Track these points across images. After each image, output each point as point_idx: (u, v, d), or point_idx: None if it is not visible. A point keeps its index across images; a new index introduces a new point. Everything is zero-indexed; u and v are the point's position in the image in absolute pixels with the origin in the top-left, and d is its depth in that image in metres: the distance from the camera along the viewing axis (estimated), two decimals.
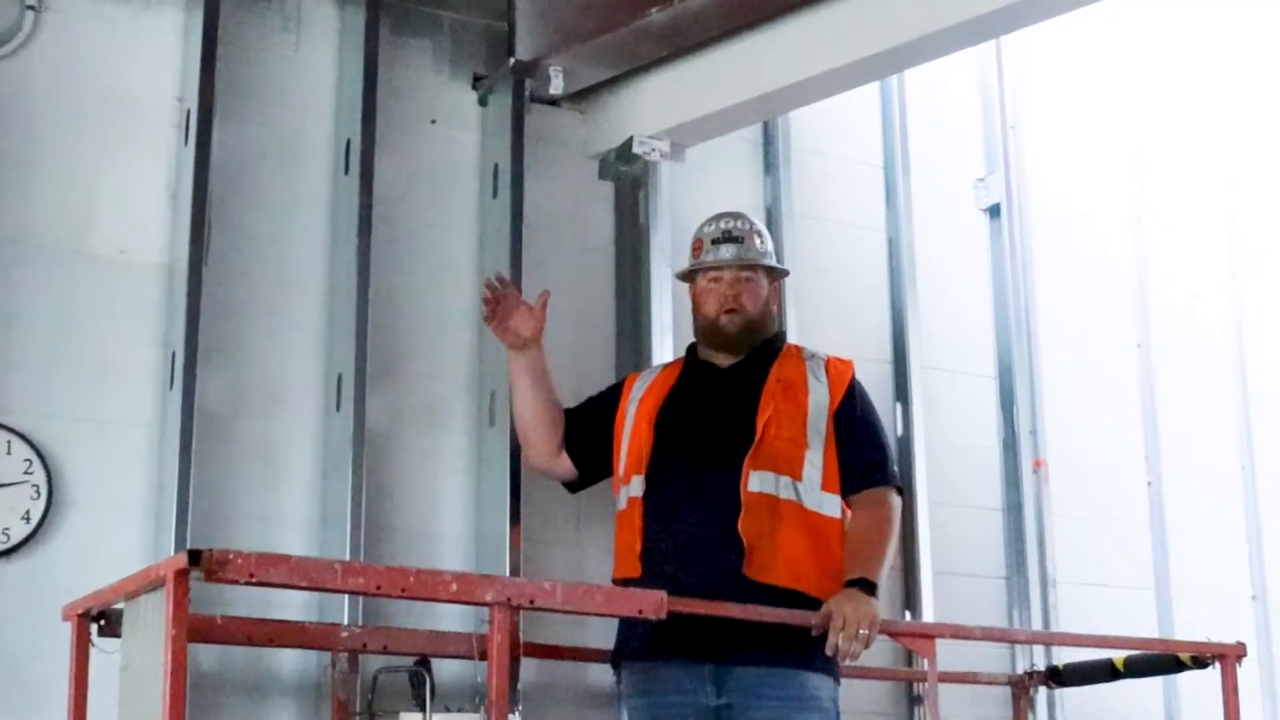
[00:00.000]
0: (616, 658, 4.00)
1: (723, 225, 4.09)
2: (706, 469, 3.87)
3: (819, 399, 3.93)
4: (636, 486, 3.94)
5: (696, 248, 4.12)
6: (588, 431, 4.14)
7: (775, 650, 3.69)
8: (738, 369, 4.03)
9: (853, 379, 4.02)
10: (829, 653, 3.61)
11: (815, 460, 3.86)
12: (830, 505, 3.85)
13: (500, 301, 4.10)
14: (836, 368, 4.03)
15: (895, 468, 4.06)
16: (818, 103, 4.68)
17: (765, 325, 4.08)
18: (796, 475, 3.83)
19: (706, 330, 4.08)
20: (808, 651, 3.69)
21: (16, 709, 3.72)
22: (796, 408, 3.91)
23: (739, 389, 3.97)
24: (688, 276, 4.15)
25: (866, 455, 3.93)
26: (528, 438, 4.18)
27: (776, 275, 4.15)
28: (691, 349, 4.18)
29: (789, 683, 3.71)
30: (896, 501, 3.95)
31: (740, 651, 3.71)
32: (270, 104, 4.31)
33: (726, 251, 4.04)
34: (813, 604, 3.70)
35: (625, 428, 4.07)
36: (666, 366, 4.22)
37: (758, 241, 4.08)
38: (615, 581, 3.94)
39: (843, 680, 3.85)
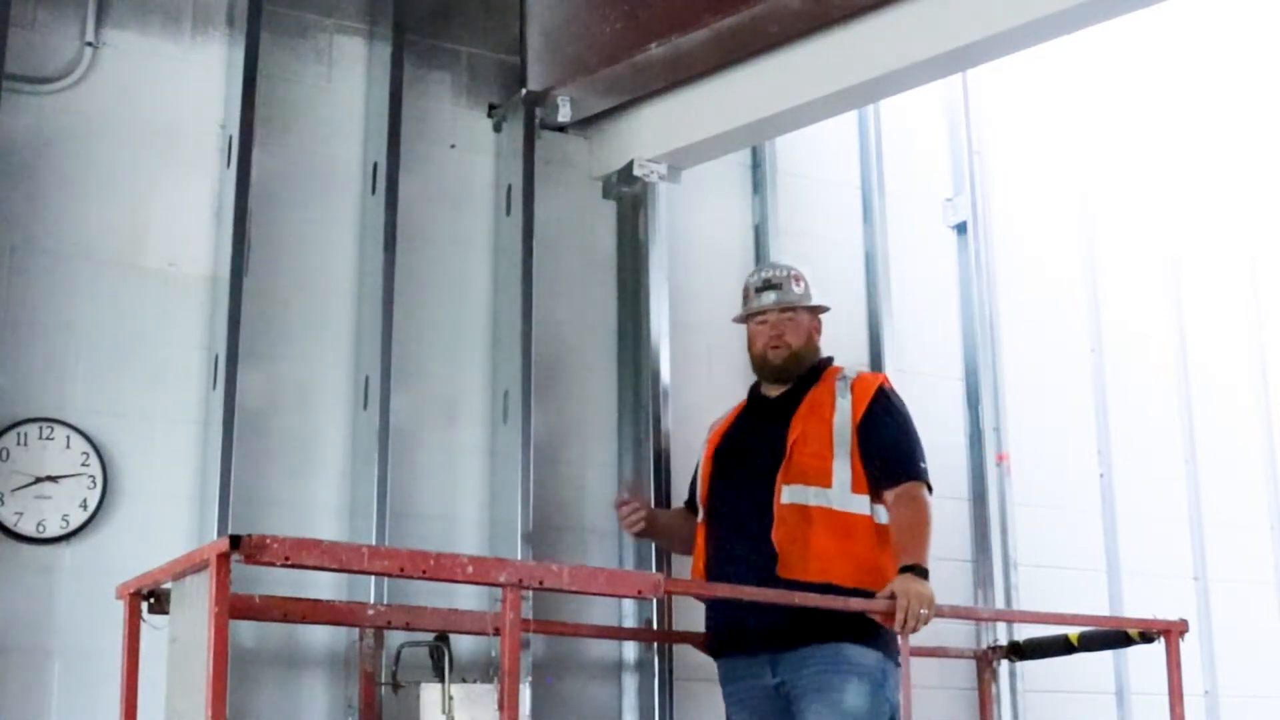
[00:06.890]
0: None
1: (764, 275, 4.25)
2: (750, 489, 3.99)
3: (843, 413, 4.01)
4: (701, 513, 4.13)
5: (745, 296, 4.25)
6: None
7: (812, 630, 3.78)
8: (783, 398, 4.13)
9: (878, 390, 4.07)
10: (896, 629, 3.70)
11: (842, 467, 3.93)
12: (859, 504, 3.92)
13: (634, 512, 4.26)
14: (862, 383, 4.09)
15: (923, 465, 4.00)
16: (801, 129, 4.68)
17: (809, 355, 4.18)
18: (825, 483, 3.92)
19: (758, 365, 4.21)
20: (843, 626, 3.78)
21: (75, 677, 3.74)
22: (822, 425, 3.99)
23: (779, 415, 4.07)
24: (744, 321, 4.25)
25: (890, 456, 3.97)
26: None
27: (817, 311, 4.25)
28: (754, 386, 4.27)
29: (827, 653, 3.79)
30: (926, 494, 3.96)
31: (783, 636, 3.83)
32: (304, 130, 4.32)
33: (768, 298, 4.18)
34: (844, 593, 3.78)
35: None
36: (734, 407, 4.30)
37: (795, 285, 4.19)
38: None
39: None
